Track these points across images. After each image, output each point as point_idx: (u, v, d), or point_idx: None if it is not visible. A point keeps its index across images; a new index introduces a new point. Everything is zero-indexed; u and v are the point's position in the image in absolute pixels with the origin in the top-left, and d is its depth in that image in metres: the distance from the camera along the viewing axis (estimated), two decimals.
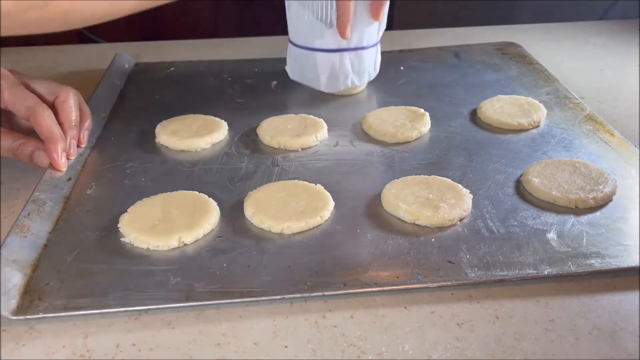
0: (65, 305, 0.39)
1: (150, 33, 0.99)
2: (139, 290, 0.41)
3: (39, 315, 0.39)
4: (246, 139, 0.61)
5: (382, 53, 0.71)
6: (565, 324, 0.38)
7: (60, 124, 0.55)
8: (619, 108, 0.68)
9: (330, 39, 0.64)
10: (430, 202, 0.48)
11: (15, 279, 0.41)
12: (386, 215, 0.49)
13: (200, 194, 0.50)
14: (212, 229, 0.47)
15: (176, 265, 0.43)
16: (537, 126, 0.63)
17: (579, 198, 0.49)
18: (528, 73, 0.76)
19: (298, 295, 0.40)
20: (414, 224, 0.47)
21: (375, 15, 0.64)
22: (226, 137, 0.62)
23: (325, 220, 0.48)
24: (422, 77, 0.76)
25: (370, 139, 0.61)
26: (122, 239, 0.46)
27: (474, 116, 0.65)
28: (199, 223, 0.46)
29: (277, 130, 0.61)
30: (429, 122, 0.63)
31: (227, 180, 0.54)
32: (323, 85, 0.68)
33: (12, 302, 0.39)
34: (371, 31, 0.66)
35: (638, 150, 0.56)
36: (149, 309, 0.40)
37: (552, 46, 0.89)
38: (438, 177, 0.52)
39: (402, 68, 0.78)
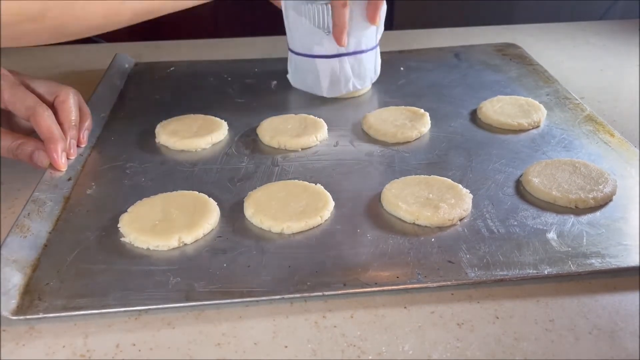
0: (65, 305, 0.39)
1: (150, 33, 0.99)
2: (139, 290, 0.41)
3: (39, 315, 0.39)
4: (246, 139, 0.61)
5: (382, 53, 0.71)
6: (565, 324, 0.38)
7: (60, 124, 0.55)
8: (619, 108, 0.68)
9: (329, 45, 0.64)
10: (430, 202, 0.48)
11: (15, 279, 0.41)
12: (386, 215, 0.49)
13: (200, 194, 0.50)
14: (212, 229, 0.47)
15: (176, 265, 0.43)
16: (537, 126, 0.63)
17: (579, 198, 0.49)
18: (528, 74, 0.76)
19: (298, 295, 0.40)
20: (414, 223, 0.47)
21: (372, 19, 0.64)
22: (226, 137, 0.62)
23: (325, 220, 0.48)
24: (422, 78, 0.76)
25: (370, 139, 0.61)
26: (122, 239, 0.46)
27: (474, 116, 0.65)
28: (199, 223, 0.46)
29: (277, 130, 0.61)
30: (429, 122, 0.63)
31: (227, 180, 0.54)
32: (325, 91, 0.68)
33: (12, 302, 0.39)
34: (369, 34, 0.66)
35: (638, 150, 0.56)
36: (149, 309, 0.40)
37: (552, 46, 0.89)
38: (438, 177, 0.52)
39: (402, 68, 0.78)
